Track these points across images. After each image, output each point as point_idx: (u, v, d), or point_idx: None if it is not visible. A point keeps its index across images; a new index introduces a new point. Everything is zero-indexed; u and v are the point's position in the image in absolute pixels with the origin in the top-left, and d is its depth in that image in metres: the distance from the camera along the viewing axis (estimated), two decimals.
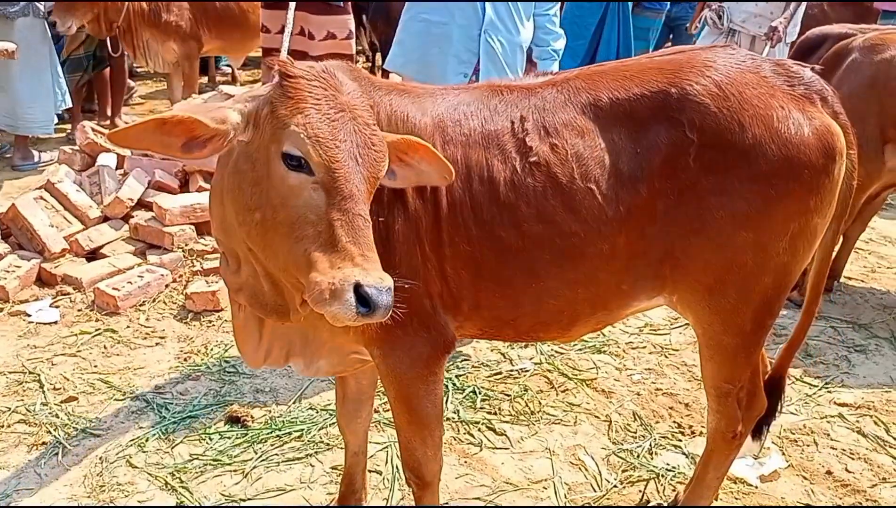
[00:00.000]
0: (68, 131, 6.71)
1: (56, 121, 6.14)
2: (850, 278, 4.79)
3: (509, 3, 3.31)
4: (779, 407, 2.61)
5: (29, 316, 3.88)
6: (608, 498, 2.84)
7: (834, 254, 4.39)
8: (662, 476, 2.96)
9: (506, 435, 3.16)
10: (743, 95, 2.05)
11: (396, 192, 2.00)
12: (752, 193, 2.05)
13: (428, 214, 2.03)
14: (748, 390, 2.45)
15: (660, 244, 2.11)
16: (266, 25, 5.24)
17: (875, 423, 3.34)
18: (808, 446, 3.18)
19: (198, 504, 2.73)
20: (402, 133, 1.99)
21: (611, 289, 2.19)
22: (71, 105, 6.24)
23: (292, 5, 2.63)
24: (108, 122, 6.67)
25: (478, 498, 2.82)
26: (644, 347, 3.91)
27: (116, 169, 4.92)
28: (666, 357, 3.83)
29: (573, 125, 2.08)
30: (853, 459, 3.11)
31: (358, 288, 1.59)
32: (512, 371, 3.61)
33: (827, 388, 3.59)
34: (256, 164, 1.75)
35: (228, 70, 9.18)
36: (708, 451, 2.55)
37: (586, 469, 3.00)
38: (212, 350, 3.67)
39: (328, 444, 3.05)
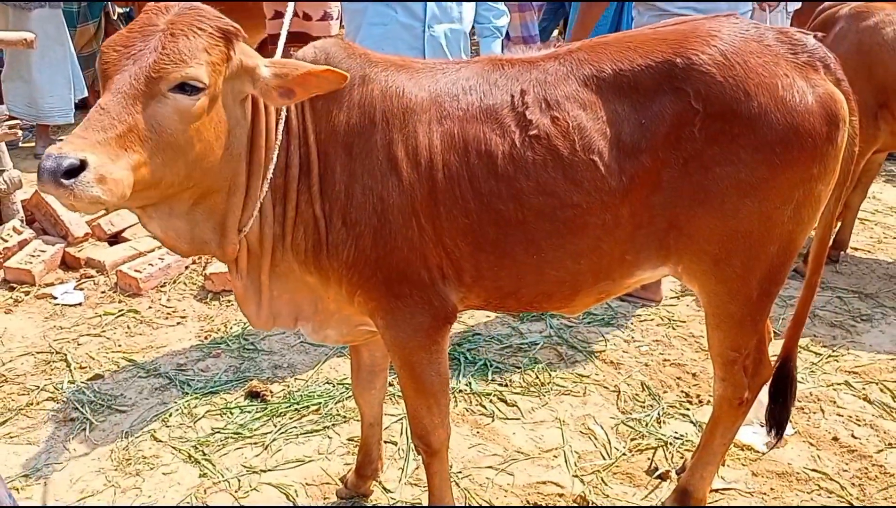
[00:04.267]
0: None
1: (75, 109, 6.25)
2: (856, 248, 4.81)
3: None
4: (793, 393, 2.61)
5: (55, 298, 4.01)
6: (617, 466, 2.92)
7: (838, 225, 4.45)
8: (670, 443, 3.03)
9: (517, 406, 3.25)
10: (748, 64, 2.06)
11: (391, 165, 2.04)
12: (757, 162, 2.07)
13: (423, 187, 2.06)
14: (754, 357, 2.49)
15: (664, 214, 2.14)
16: (278, 10, 5.32)
17: (881, 390, 3.39)
18: (814, 413, 3.24)
19: (220, 476, 2.84)
20: (397, 108, 2.05)
21: (614, 260, 2.22)
22: (87, 94, 6.33)
23: None
24: None
25: (490, 467, 2.90)
26: (651, 319, 3.97)
27: None
28: (673, 328, 3.89)
29: (575, 97, 2.10)
30: (859, 425, 3.16)
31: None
32: (522, 344, 3.69)
33: (833, 357, 3.64)
34: None
35: None
36: (714, 418, 2.59)
37: (596, 438, 3.08)
38: (231, 328, 3.78)
39: (345, 417, 3.15)
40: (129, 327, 3.80)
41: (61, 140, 5.80)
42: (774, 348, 2.68)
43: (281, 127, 2.02)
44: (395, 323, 2.19)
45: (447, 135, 2.07)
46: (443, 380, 2.30)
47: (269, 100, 1.94)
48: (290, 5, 2.55)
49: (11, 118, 4.55)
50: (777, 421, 2.62)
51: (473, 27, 3.51)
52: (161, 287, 4.14)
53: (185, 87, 1.75)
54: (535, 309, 2.43)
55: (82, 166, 1.62)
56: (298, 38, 5.39)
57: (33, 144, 6.25)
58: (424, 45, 3.15)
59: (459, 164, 2.08)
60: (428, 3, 3.11)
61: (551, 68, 2.15)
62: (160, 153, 1.75)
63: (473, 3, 3.31)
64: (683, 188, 2.11)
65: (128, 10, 6.52)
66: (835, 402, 3.31)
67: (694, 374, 3.50)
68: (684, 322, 3.95)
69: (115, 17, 6.49)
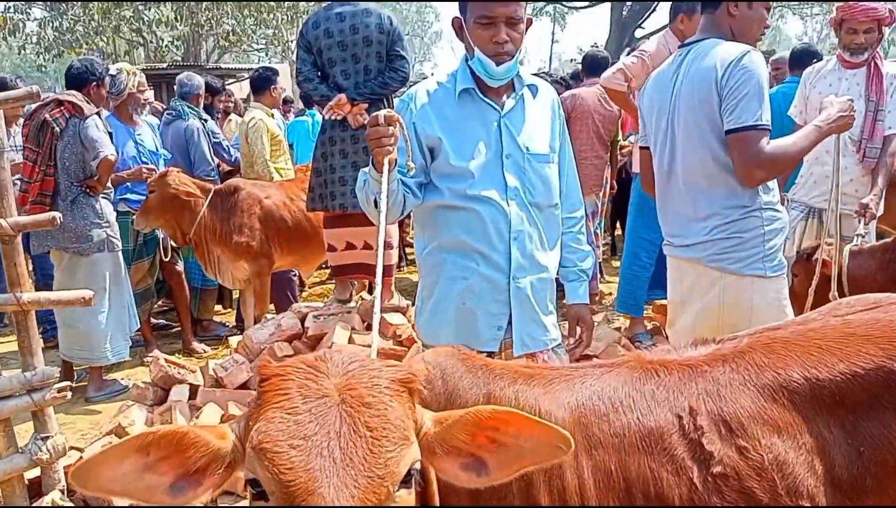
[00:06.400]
0: (142, 352, 6.59)
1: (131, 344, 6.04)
2: None
3: (535, 235, 2.84)
4: None
5: None
6: None
7: None
8: None
9: None
10: None
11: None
12: None
13: None
14: None
15: None
16: (332, 244, 5.17)
17: None
18: None
19: None
20: None
21: None
22: (138, 326, 6.15)
23: (382, 222, 2.39)
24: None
25: None
26: None
27: (189, 401, 4.71)
28: None
29: (763, 417, 1.66)
30: None
31: None
32: None
33: None
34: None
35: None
36: None
37: None
38: None
39: None
40: None
41: (113, 380, 5.34)
42: None
43: None
44: None
45: (601, 472, 1.62)
46: None
47: (443, 471, 1.42)
48: (381, 238, 2.24)
49: (64, 378, 4.28)
50: None
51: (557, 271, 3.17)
52: None
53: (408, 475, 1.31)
54: None
55: None
56: (359, 269, 5.20)
57: (85, 383, 5.96)
58: (510, 298, 2.80)
59: None
60: (513, 253, 2.79)
61: (721, 376, 1.73)
62: None
63: (559, 248, 2.98)
64: None
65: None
66: None
67: None
68: None
69: (170, 256, 6.41)
